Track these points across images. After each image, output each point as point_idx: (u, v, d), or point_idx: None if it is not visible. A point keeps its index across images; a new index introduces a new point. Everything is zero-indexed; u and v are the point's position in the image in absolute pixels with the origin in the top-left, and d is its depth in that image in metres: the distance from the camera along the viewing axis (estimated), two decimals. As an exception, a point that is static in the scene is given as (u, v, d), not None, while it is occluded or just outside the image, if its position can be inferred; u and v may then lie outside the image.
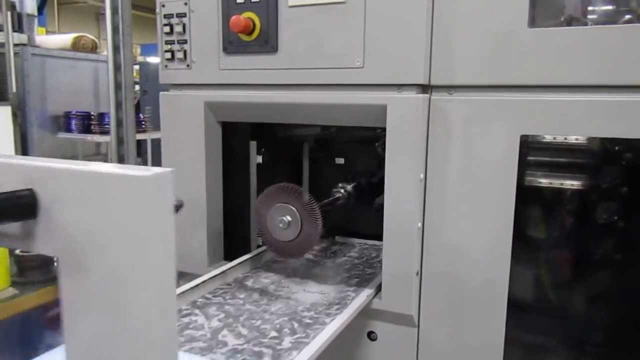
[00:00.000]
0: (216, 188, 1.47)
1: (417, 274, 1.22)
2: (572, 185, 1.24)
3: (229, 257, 1.48)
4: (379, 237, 1.42)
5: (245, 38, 1.28)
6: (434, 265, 1.22)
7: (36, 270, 1.69)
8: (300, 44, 1.24)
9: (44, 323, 1.82)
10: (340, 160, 1.62)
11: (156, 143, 5.06)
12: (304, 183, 1.64)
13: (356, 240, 1.63)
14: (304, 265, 1.43)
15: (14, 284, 1.65)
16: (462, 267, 1.20)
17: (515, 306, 1.18)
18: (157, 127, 5.23)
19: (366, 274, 1.36)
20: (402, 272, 1.21)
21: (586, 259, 1.26)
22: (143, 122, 4.90)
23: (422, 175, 1.18)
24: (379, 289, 1.27)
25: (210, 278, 1.23)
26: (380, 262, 1.34)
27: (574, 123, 1.08)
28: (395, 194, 1.18)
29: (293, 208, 1.15)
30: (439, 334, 1.24)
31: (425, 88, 1.17)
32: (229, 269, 1.30)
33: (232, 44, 1.31)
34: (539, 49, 1.08)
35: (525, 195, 1.16)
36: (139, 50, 7.16)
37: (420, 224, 1.20)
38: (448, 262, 1.21)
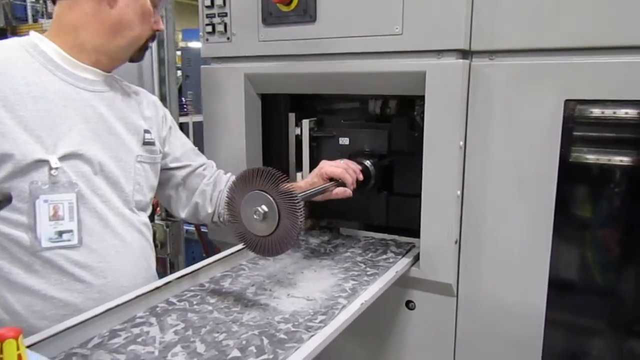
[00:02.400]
0: (256, 160, 1.50)
1: (456, 242, 1.22)
2: (621, 161, 1.19)
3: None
4: (389, 230, 1.43)
5: (284, 8, 1.29)
6: (473, 233, 1.21)
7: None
8: (338, 12, 1.24)
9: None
10: (344, 141, 1.45)
11: (198, 126, 5.17)
12: (304, 162, 1.48)
13: (363, 234, 1.46)
14: (297, 262, 1.26)
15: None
16: (502, 236, 1.18)
17: (556, 281, 1.16)
18: (199, 111, 5.34)
19: (367, 274, 1.17)
20: (440, 240, 1.20)
21: (632, 235, 1.22)
22: (185, 106, 5.02)
23: (461, 143, 1.17)
24: (417, 258, 1.27)
25: (181, 277, 1.10)
26: (385, 260, 1.25)
27: (622, 86, 1.04)
28: (435, 161, 1.18)
29: (270, 197, 0.95)
30: (478, 303, 1.24)
31: (465, 54, 1.15)
32: (205, 266, 1.17)
33: (272, 15, 1.32)
34: (586, 10, 1.04)
35: (570, 170, 1.13)
36: (180, 36, 7.29)
37: (459, 192, 1.19)
38: (488, 231, 1.20)
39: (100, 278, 1.07)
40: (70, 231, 1.04)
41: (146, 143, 1.19)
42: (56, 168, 1.00)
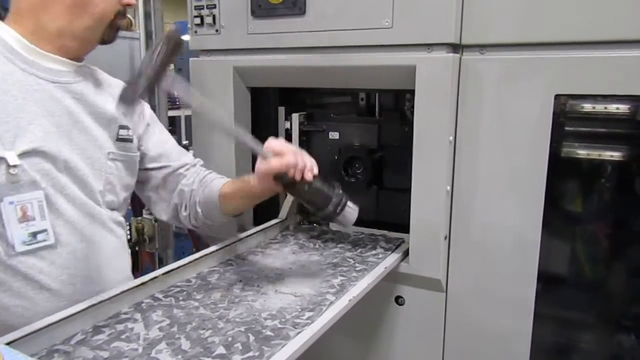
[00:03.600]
0: (245, 153, 1.49)
1: (446, 238, 1.21)
2: (610, 156, 1.19)
3: (257, 222, 1.50)
4: (379, 225, 1.41)
5: (273, 1, 1.28)
6: (462, 229, 1.21)
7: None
8: (328, 5, 1.22)
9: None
10: (334, 135, 1.43)
11: (189, 119, 5.12)
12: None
13: (352, 229, 1.42)
14: (285, 257, 1.25)
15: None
16: (491, 231, 1.18)
17: (545, 275, 1.16)
18: (190, 104, 5.28)
19: (355, 270, 1.16)
20: (430, 235, 1.20)
21: (622, 230, 1.22)
22: (177, 99, 4.97)
23: (451, 138, 1.16)
24: (406, 253, 1.26)
25: (167, 272, 1.07)
26: (374, 255, 1.24)
27: (612, 81, 1.03)
28: (424, 156, 1.17)
29: None
30: (467, 299, 1.23)
31: (456, 47, 1.14)
32: (192, 261, 1.14)
33: (261, 7, 1.30)
34: (577, 4, 1.03)
35: (560, 165, 1.12)
36: (173, 28, 7.22)
37: (449, 187, 1.18)
38: (477, 226, 1.19)
39: (67, 285, 1.00)
40: (44, 230, 0.97)
41: (120, 139, 1.10)
42: (14, 166, 0.92)
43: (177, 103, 4.98)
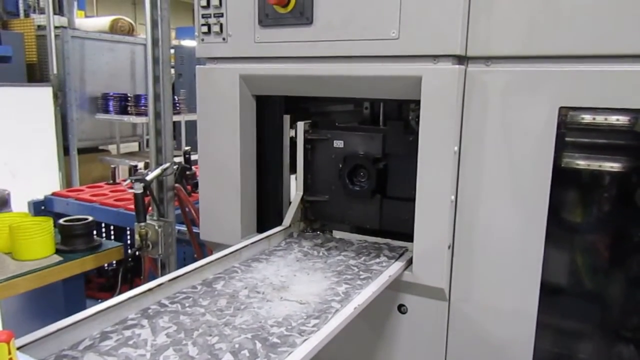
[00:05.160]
0: (250, 161, 1.50)
1: (449, 247, 1.22)
2: (611, 167, 1.20)
3: (261, 229, 1.51)
4: (382, 234, 1.43)
5: (280, 10, 1.29)
6: (466, 239, 1.21)
7: (79, 239, 1.76)
8: (335, 15, 1.24)
9: (85, 289, 1.90)
10: (339, 144, 1.44)
11: (190, 125, 5.14)
12: (298, 165, 1.48)
13: (356, 237, 1.45)
14: (290, 265, 1.25)
15: (58, 251, 1.72)
16: (495, 241, 1.19)
17: (548, 285, 1.17)
18: (191, 110, 5.32)
19: (360, 278, 1.16)
20: (434, 245, 1.21)
21: (624, 241, 1.23)
22: (178, 104, 4.98)
23: (456, 148, 1.17)
24: (409, 262, 1.27)
25: (173, 279, 1.07)
26: (378, 264, 1.25)
27: (616, 94, 1.04)
28: (429, 166, 1.18)
29: None
30: (469, 308, 1.24)
31: (461, 59, 1.16)
32: (198, 268, 1.14)
33: (268, 16, 1.32)
34: (581, 18, 1.05)
35: (563, 176, 1.13)
36: (173, 33, 7.25)
37: (453, 197, 1.19)
38: (481, 236, 1.20)
39: None
40: None
41: None
42: None
43: (178, 108, 5.01)
